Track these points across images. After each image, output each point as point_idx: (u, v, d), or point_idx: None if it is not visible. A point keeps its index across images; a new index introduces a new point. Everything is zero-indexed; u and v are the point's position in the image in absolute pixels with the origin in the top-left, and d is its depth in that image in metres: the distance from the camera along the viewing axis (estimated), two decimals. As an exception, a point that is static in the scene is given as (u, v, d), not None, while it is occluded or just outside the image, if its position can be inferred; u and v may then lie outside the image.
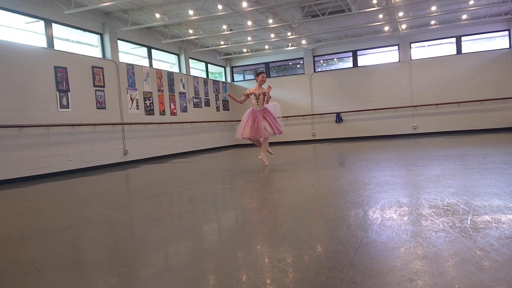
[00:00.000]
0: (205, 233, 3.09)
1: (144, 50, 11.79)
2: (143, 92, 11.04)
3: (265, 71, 16.36)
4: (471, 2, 10.92)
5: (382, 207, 3.31)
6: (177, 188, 5.56)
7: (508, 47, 13.01)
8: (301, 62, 15.77)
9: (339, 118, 14.91)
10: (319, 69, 15.78)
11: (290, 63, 16.30)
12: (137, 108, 10.77)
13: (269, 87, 7.36)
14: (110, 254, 2.63)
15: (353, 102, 14.79)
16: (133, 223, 3.66)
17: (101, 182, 7.04)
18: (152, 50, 12.01)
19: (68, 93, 8.65)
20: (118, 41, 10.46)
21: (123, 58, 10.74)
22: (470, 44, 13.75)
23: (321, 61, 15.92)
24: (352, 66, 15.11)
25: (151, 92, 11.37)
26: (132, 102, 10.60)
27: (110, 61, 10.01)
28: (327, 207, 3.50)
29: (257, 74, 7.40)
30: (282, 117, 15.87)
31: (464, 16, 12.21)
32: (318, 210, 3.48)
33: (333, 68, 15.87)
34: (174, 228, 3.23)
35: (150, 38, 11.71)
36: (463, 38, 13.61)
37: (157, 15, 10.22)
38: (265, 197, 4.38)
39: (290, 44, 14.28)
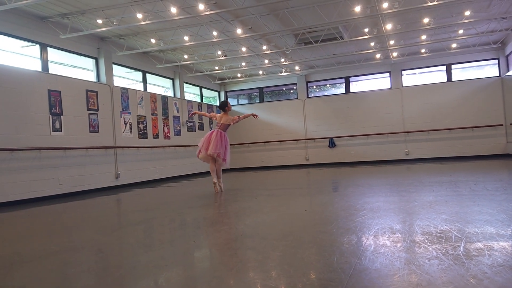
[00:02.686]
0: (197, 259, 3.04)
1: (139, 74, 11.89)
2: (137, 115, 11.06)
3: (259, 95, 16.55)
4: (461, 32, 11.23)
5: (376, 233, 3.29)
6: (168, 213, 5.49)
7: (498, 75, 13.31)
8: (295, 88, 15.97)
9: (332, 143, 15.00)
10: (312, 95, 15.97)
11: (284, 88, 16.50)
12: (130, 132, 10.76)
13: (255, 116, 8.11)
14: (98, 281, 2.57)
15: (346, 127, 14.93)
16: (122, 249, 3.59)
17: (91, 206, 6.94)
18: (147, 74, 12.11)
19: (61, 116, 8.64)
20: (113, 65, 10.55)
21: (118, 82, 10.81)
22: (460, 72, 14.05)
23: (314, 87, 16.13)
24: (344, 92, 15.32)
25: (145, 116, 11.39)
26: (126, 126, 10.60)
27: (105, 85, 10.06)
28: (321, 233, 3.47)
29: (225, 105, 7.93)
30: (276, 141, 15.96)
31: (454, 45, 12.53)
32: (312, 236, 3.45)
33: (326, 93, 16.07)
34: (165, 254, 3.18)
35: (145, 63, 11.83)
36: (453, 66, 13.91)
37: (153, 41, 10.37)
38: (258, 222, 4.34)
39: (283, 70, 14.50)
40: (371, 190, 6.30)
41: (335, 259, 2.62)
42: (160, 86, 13.08)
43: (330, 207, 5.01)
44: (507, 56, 12.89)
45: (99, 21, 8.67)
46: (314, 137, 15.29)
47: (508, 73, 12.54)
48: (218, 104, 16.43)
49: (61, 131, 8.61)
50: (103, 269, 2.86)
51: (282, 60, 13.07)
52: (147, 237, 4.09)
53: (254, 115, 8.04)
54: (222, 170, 8.10)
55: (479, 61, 13.69)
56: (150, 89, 12.26)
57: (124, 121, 10.57)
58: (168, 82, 13.38)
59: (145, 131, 11.36)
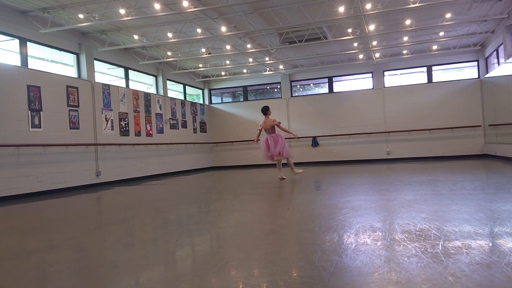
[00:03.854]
0: (179, 258, 3.02)
1: (121, 71, 11.73)
2: (119, 112, 10.92)
3: (243, 94, 16.53)
4: (441, 34, 11.45)
5: (357, 231, 3.33)
6: (150, 211, 5.45)
7: (477, 77, 13.62)
8: (279, 87, 16.02)
9: (315, 142, 15.10)
10: (296, 94, 16.05)
11: (268, 87, 16.54)
12: (112, 129, 10.61)
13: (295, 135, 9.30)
14: (78, 280, 2.53)
15: (328, 127, 15.05)
16: (103, 247, 3.54)
17: (71, 204, 6.82)
18: (129, 71, 11.96)
19: (41, 112, 8.46)
20: (95, 61, 10.38)
21: (99, 78, 10.64)
22: (441, 74, 14.33)
23: (298, 86, 16.21)
24: (328, 91, 15.44)
25: (127, 113, 11.25)
26: (107, 123, 10.45)
27: (86, 81, 9.90)
28: (303, 232, 3.50)
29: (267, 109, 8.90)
30: (260, 139, 15.99)
31: (435, 47, 12.76)
32: (294, 234, 3.47)
33: (309, 93, 16.17)
34: (146, 253, 3.15)
35: (128, 59, 11.67)
36: (433, 68, 14.18)
37: (136, 37, 10.24)
38: (241, 221, 4.34)
39: (268, 68, 14.52)
40: (353, 189, 6.37)
41: (316, 257, 2.64)
42: (142, 83, 12.93)
43: (312, 205, 5.04)
44: (486, 59, 13.20)
45: (81, 15, 8.52)
46: (297, 136, 15.32)
47: (487, 75, 12.85)
48: (201, 101, 16.39)
49: (40, 128, 8.43)
50: (82, 268, 2.82)
51: (267, 59, 13.08)
52: (128, 235, 4.05)
53: (295, 135, 9.26)
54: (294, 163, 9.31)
55: (459, 63, 13.99)
56: (133, 85, 12.11)
57: (106, 118, 10.42)
58: (151, 79, 13.24)
59: (127, 128, 11.22)
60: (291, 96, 15.72)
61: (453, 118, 13.59)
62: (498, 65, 11.72)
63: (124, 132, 11.08)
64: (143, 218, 4.95)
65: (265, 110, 8.73)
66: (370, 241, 3.02)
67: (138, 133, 11.66)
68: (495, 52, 12.10)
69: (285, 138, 8.87)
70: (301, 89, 16.34)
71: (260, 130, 9.00)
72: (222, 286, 2.23)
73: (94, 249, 3.49)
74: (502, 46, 11.04)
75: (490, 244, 2.79)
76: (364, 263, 2.46)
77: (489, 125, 12.74)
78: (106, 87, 10.54)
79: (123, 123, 11.05)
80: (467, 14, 9.92)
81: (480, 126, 13.34)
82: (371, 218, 3.91)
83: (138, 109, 11.75)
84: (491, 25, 11.02)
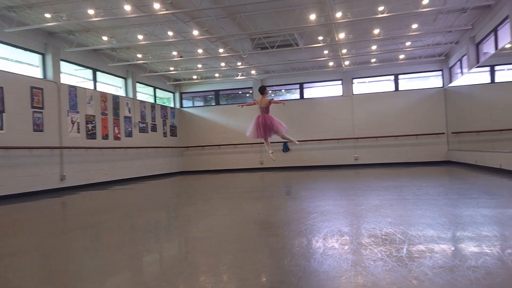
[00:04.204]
0: (146, 264, 2.97)
1: (89, 72, 11.44)
2: (86, 115, 10.63)
3: (215, 98, 16.48)
4: (408, 44, 11.84)
5: (325, 236, 3.38)
6: (117, 217, 5.32)
7: (441, 86, 14.15)
8: (251, 92, 16.07)
9: (286, 147, 15.22)
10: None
11: (240, 92, 16.56)
12: (78, 132, 10.31)
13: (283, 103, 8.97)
14: (42, 287, 2.44)
15: (299, 132, 15.18)
16: (68, 253, 3.43)
17: (35, 209, 6.57)
18: (98, 72, 11.68)
19: (3, 114, 8.12)
20: (61, 62, 10.08)
21: (66, 79, 10.34)
22: (407, 82, 14.80)
23: (270, 91, 16.32)
24: (299, 97, 15.63)
25: (94, 116, 10.97)
26: (73, 125, 10.15)
27: (51, 82, 9.59)
28: (273, 236, 3.51)
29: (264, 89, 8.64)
30: (231, 144, 15.98)
31: (402, 56, 13.19)
32: (264, 239, 3.48)
33: (281, 98, 16.30)
34: (113, 259, 3.07)
35: (96, 61, 11.41)
36: (400, 76, 14.63)
37: (105, 38, 10.03)
38: (211, 226, 4.31)
39: (240, 73, 14.55)
40: (322, 194, 6.46)
41: (286, 261, 2.66)
42: (111, 85, 12.66)
43: (282, 210, 5.08)
44: (450, 68, 13.75)
45: (48, 15, 8.27)
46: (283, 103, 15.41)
47: (451, 84, 13.38)
48: (172, 105, 16.21)
49: (2, 130, 8.09)
50: (47, 275, 2.72)
51: (239, 63, 13.11)
52: (94, 241, 3.94)
53: (282, 103, 8.94)
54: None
55: (424, 72, 14.50)
56: (101, 88, 11.83)
57: (72, 121, 10.12)
58: (120, 81, 12.99)
59: (94, 131, 10.93)
60: (263, 101, 15.79)
61: (418, 125, 14.05)
62: (462, 75, 12.24)
63: (91, 135, 10.80)
64: (110, 223, 4.83)
65: (262, 90, 8.66)
66: (338, 245, 3.07)
67: (105, 137, 11.39)
68: (458, 62, 12.63)
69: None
70: (273, 95, 16.45)
71: (252, 104, 8.91)
72: (191, 292, 2.21)
73: (59, 255, 3.37)
74: (465, 56, 11.54)
75: (453, 248, 2.89)
76: (331, 267, 2.50)
77: (452, 133, 13.25)
78: (73, 89, 10.25)
79: (90, 126, 10.77)
80: (432, 25, 10.31)
81: (444, 133, 13.85)
82: (339, 222, 3.98)
83: (106, 112, 11.48)
84: (456, 36, 11.50)
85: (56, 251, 3.48)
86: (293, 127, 15.39)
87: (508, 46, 7.96)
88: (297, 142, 8.99)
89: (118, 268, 2.81)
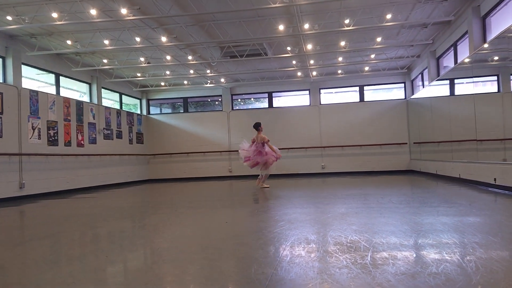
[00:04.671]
0: (109, 275, 2.87)
1: (51, 77, 11.08)
2: (47, 121, 10.25)
3: (183, 105, 16.32)
4: (372, 56, 12.23)
5: (292, 244, 3.40)
6: (79, 226, 5.13)
7: (404, 98, 14.66)
8: (220, 100, 16.05)
9: (254, 156, 15.24)
10: (237, 107, 16.18)
11: (209, 100, 16.50)
12: (39, 138, 9.92)
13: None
14: (-7, 303, 2.31)
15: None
16: (25, 265, 3.26)
17: (-11, 219, 6.23)
18: (61, 77, 11.33)
19: (-43, 117, 7.71)
20: (22, 66, 9.72)
21: (27, 83, 9.96)
22: (371, 93, 15.24)
23: (239, 100, 16.36)
24: (268, 106, 15.75)
25: (56, 121, 10.60)
26: (34, 131, 9.76)
27: (11, 86, 9.21)
28: (240, 245, 3.49)
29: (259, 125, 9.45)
30: (200, 152, 15.84)
31: (367, 68, 13.59)
32: (231, 248, 3.45)
33: (250, 107, 16.38)
34: (73, 271, 2.95)
35: (59, 65, 11.07)
36: (365, 88, 15.06)
37: (69, 42, 9.76)
38: (177, 235, 4.24)
39: (209, 81, 14.51)
40: (290, 202, 6.50)
41: (252, 270, 2.65)
42: (75, 90, 12.31)
43: (250, 218, 5.06)
44: (412, 81, 14.29)
45: (9, 18, 7.97)
46: (237, 149, 15.41)
47: (413, 96, 13.89)
48: (139, 111, 15.92)
49: (-45, 135, 7.67)
50: (1, 287, 2.57)
51: (208, 71, 13.08)
52: (53, 252, 3.77)
53: (278, 156, 9.44)
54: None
55: (388, 84, 15.00)
56: (64, 93, 11.48)
57: (32, 126, 9.74)
58: (84, 87, 12.64)
59: (56, 137, 10.56)
60: (232, 109, 15.82)
61: (382, 135, 14.48)
62: (423, 87, 12.74)
63: (53, 141, 10.42)
64: (71, 233, 4.66)
65: (257, 126, 9.34)
66: (305, 253, 3.09)
67: (68, 143, 11.02)
68: (420, 75, 13.15)
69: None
70: (242, 103, 16.51)
71: (252, 145, 9.43)
72: (155, 304, 2.15)
73: (15, 267, 3.20)
74: (426, 69, 12.03)
75: (414, 255, 2.98)
76: (298, 275, 2.51)
77: (414, 143, 13.73)
78: (34, 94, 9.87)
79: (51, 132, 10.39)
80: (395, 39, 10.70)
81: (406, 143, 14.33)
82: (306, 230, 4.01)
83: (69, 118, 11.12)
84: (417, 50, 11.98)
85: (12, 263, 3.31)
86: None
87: (467, 60, 8.37)
88: (264, 186, 9.42)
89: (79, 280, 2.71)
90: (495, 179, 7.20)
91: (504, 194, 6.47)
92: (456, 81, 9.80)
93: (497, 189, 7.06)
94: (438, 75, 11.11)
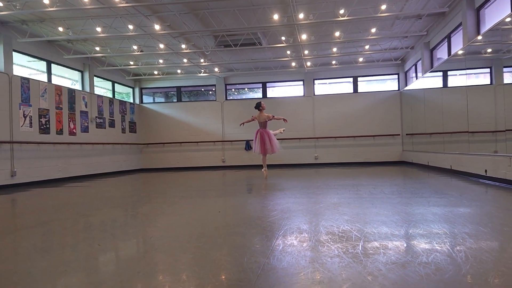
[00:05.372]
0: (101, 264, 2.87)
1: (43, 64, 10.93)
2: (39, 108, 10.14)
3: (176, 95, 16.21)
4: (367, 47, 12.20)
5: (284, 233, 3.42)
6: (71, 215, 5.12)
7: (397, 89, 14.70)
8: (213, 89, 15.97)
9: (248, 146, 15.26)
10: (231, 97, 16.12)
11: (203, 89, 16.41)
12: (30, 126, 9.83)
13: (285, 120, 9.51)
14: (-16, 291, 2.30)
15: (261, 131, 15.29)
16: (17, 253, 3.25)
17: (-20, 207, 6.18)
18: (52, 64, 11.18)
19: None
20: (14, 53, 9.58)
21: (18, 71, 9.83)
22: (365, 85, 15.25)
23: (233, 90, 16.29)
24: (262, 96, 15.70)
25: (48, 109, 10.50)
26: (25, 119, 9.66)
27: (2, 74, 9.08)
28: (233, 234, 3.51)
29: (260, 105, 9.29)
30: (193, 142, 15.83)
31: (361, 59, 13.57)
32: (224, 237, 3.47)
33: (244, 97, 16.33)
34: (65, 259, 2.95)
35: (51, 52, 10.91)
36: (359, 79, 15.06)
37: (61, 29, 9.62)
38: (170, 224, 4.24)
39: (203, 70, 14.42)
40: (283, 192, 6.53)
41: (245, 259, 2.66)
42: (67, 78, 12.16)
43: (243, 208, 5.08)
44: (406, 72, 14.31)
45: (0, 4, 7.81)
46: (231, 139, 15.42)
47: (406, 88, 13.92)
48: (131, 100, 15.81)
49: None
50: (-10, 277, 2.56)
51: (202, 60, 12.99)
52: (45, 240, 3.76)
53: (284, 120, 9.44)
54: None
55: (381, 75, 15.00)
56: (56, 80, 11.34)
57: (24, 114, 9.63)
58: (76, 75, 12.50)
59: (48, 125, 10.46)
60: (226, 99, 15.76)
61: (375, 126, 14.53)
62: (416, 79, 12.77)
63: (44, 129, 10.32)
64: (63, 222, 4.64)
65: (258, 106, 9.21)
66: (297, 242, 3.11)
67: (60, 131, 10.92)
68: (414, 67, 13.16)
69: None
70: (236, 93, 16.44)
71: (251, 121, 9.49)
72: (147, 292, 2.16)
73: (7, 255, 3.19)
74: (420, 61, 12.05)
75: (405, 245, 3.01)
76: (290, 264, 2.53)
77: (407, 134, 13.81)
78: (26, 81, 9.75)
79: (43, 120, 10.29)
80: (390, 30, 10.68)
81: (399, 135, 14.40)
82: (298, 220, 4.04)
83: (60, 106, 11.01)
84: (411, 41, 11.98)
85: (4, 251, 3.30)
86: (255, 126, 15.44)
87: (460, 52, 8.39)
88: (266, 173, 9.41)
89: (71, 268, 2.71)
90: (486, 171, 7.28)
91: (495, 185, 6.55)
92: (449, 73, 9.84)
93: (488, 181, 7.14)
94: (432, 67, 11.14)
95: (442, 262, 2.48)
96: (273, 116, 9.31)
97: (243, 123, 9.72)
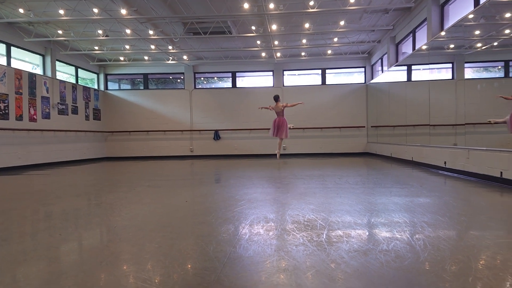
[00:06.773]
0: (62, 253, 2.80)
1: (2, 47, 10.39)
2: (-3, 93, 9.67)
3: (143, 82, 15.86)
4: (335, 40, 12.36)
5: (251, 222, 3.44)
6: (31, 204, 4.94)
7: (364, 82, 15.01)
8: (182, 77, 15.73)
9: (217, 136, 15.20)
10: (200, 86, 15.94)
11: (171, 77, 16.12)
12: (-12, 111, 9.36)
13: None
14: None
15: (230, 121, 15.26)
16: (-29, 244, 3.11)
17: None
18: (12, 47, 10.66)
19: None
20: (-32, 32, 9.05)
21: (-27, 52, 9.30)
22: (333, 77, 15.48)
23: (202, 78, 16.11)
24: (231, 86, 15.63)
25: (7, 94, 10.02)
26: (-19, 104, 9.19)
27: (-45, 54, 8.56)
28: (199, 224, 3.50)
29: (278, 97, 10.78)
30: (160, 130, 15.59)
31: (329, 51, 13.74)
32: (190, 227, 3.45)
33: (213, 86, 16.18)
34: (24, 248, 2.85)
35: (11, 35, 10.39)
36: (327, 71, 15.26)
37: (21, 10, 9.16)
38: (135, 214, 4.18)
39: (171, 57, 14.15)
40: (251, 182, 6.56)
41: (211, 248, 2.66)
42: (28, 62, 11.63)
43: (210, 198, 5.07)
44: (372, 66, 14.62)
45: (-50, -23, 7.33)
46: (199, 129, 15.30)
47: (372, 81, 14.24)
48: (96, 86, 15.33)
49: None
50: None
51: (170, 47, 12.74)
52: (3, 229, 3.61)
53: (301, 103, 11.34)
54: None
55: (349, 68, 15.26)
56: (15, 64, 10.82)
57: (-20, 98, 9.15)
58: (37, 59, 11.98)
59: (7, 111, 10.00)
60: (195, 87, 15.58)
61: (342, 118, 14.82)
62: (382, 72, 13.07)
63: (3, 115, 9.86)
64: (23, 210, 4.47)
65: (276, 98, 10.59)
66: (263, 231, 3.15)
67: (19, 117, 10.47)
68: (380, 60, 13.47)
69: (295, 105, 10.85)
70: (204, 82, 16.27)
71: (268, 108, 10.90)
72: (110, 281, 2.12)
73: (-42, 246, 3.04)
74: (386, 55, 12.33)
75: (367, 233, 3.10)
76: (256, 252, 2.56)
77: (372, 126, 14.16)
78: (-19, 63, 9.24)
79: (2, 105, 9.82)
80: (358, 23, 10.86)
81: (364, 127, 14.75)
82: (265, 209, 4.07)
83: (20, 91, 10.53)
84: (378, 35, 12.23)
85: (-43, 242, 3.15)
86: (224, 115, 15.41)
87: (424, 47, 8.65)
88: (278, 155, 11.14)
89: (31, 258, 2.62)
90: (445, 162, 7.59)
91: (453, 176, 6.85)
92: (413, 67, 10.13)
93: (446, 172, 7.45)
94: (397, 61, 11.43)
95: (402, 249, 2.58)
96: (287, 104, 10.59)
97: (262, 108, 11.32)
